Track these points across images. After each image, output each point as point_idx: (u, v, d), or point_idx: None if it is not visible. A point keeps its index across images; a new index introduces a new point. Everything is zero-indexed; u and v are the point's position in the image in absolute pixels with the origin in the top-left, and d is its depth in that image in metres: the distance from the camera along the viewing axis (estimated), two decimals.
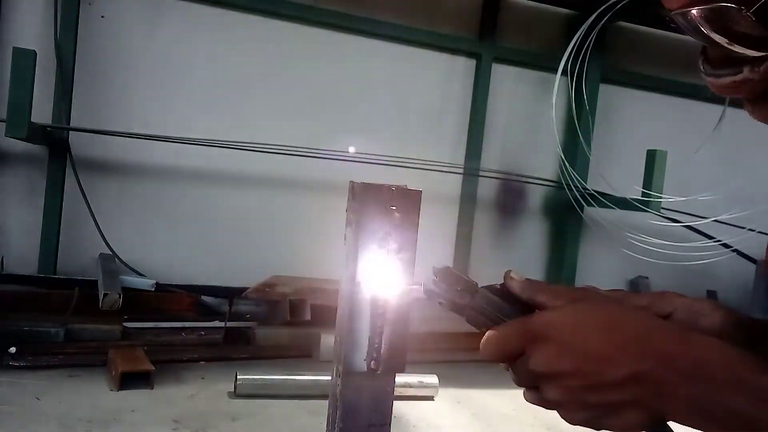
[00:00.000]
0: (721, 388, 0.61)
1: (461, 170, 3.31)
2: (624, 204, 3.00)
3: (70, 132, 2.69)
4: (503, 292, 0.77)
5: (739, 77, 0.62)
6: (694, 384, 0.63)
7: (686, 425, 0.65)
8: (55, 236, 2.70)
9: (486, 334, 0.74)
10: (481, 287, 0.78)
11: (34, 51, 2.31)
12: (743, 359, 0.63)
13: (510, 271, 0.78)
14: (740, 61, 0.61)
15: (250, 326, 2.54)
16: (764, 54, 0.59)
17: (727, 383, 0.61)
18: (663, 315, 0.82)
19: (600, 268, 3.61)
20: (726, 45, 0.60)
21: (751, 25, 0.57)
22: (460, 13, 3.37)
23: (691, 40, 0.61)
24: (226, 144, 2.77)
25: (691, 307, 0.83)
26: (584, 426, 0.69)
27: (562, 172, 3.19)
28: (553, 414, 0.71)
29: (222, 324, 2.49)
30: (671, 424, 0.68)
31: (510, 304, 0.76)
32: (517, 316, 0.74)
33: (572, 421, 0.69)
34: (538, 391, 0.71)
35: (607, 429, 0.68)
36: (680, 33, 0.62)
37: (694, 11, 0.59)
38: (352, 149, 2.74)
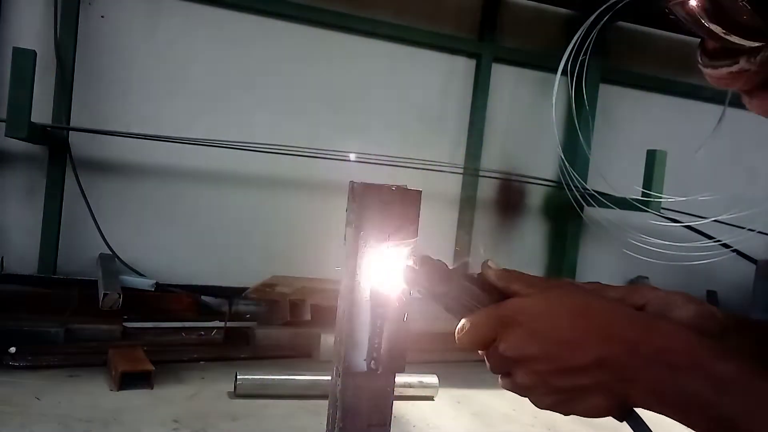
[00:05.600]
0: (681, 373, 0.62)
1: (461, 170, 3.31)
2: (624, 204, 3.00)
3: (70, 132, 2.69)
4: (480, 281, 0.78)
5: (735, 68, 0.62)
6: (656, 369, 0.64)
7: (650, 410, 0.66)
8: (55, 236, 2.69)
9: (460, 322, 0.75)
10: (459, 276, 0.78)
11: (34, 51, 2.30)
12: (704, 345, 0.64)
13: (487, 260, 0.79)
14: (737, 52, 0.62)
15: (250, 326, 2.54)
16: (761, 44, 0.59)
17: (687, 368, 0.62)
18: (636, 307, 0.83)
19: (600, 268, 3.61)
20: (723, 35, 0.60)
21: (747, 15, 0.57)
22: (460, 13, 3.36)
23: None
24: (226, 144, 2.77)
25: (664, 299, 0.85)
26: (553, 410, 0.71)
27: (562, 172, 3.19)
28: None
29: (222, 324, 2.49)
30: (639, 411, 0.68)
31: (486, 292, 0.76)
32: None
33: (541, 406, 0.71)
34: (511, 377, 0.72)
35: (574, 413, 0.70)
36: (679, 25, 0.63)
37: (692, 1, 0.59)
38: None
